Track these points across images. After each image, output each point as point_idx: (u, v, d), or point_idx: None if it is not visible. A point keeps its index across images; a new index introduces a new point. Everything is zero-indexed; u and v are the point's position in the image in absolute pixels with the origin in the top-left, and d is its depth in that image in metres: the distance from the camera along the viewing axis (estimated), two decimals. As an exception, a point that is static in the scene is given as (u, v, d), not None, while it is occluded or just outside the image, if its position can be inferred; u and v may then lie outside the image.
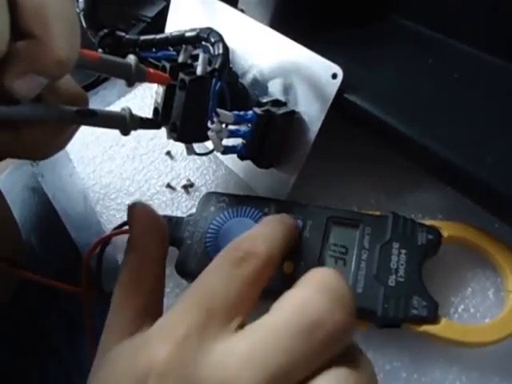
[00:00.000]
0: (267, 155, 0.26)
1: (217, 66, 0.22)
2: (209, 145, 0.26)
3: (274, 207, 0.26)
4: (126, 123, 0.24)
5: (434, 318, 0.20)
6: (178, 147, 0.34)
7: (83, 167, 0.36)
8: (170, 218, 0.28)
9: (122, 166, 0.34)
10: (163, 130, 0.27)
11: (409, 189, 0.26)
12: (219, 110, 0.23)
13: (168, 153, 0.34)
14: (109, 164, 0.35)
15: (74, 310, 0.40)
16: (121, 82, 0.24)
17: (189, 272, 0.25)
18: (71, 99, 0.22)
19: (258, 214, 0.25)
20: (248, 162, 0.27)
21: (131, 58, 0.23)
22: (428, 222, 0.23)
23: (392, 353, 0.22)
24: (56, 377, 0.38)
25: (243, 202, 0.26)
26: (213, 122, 0.23)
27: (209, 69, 0.23)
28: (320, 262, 0.23)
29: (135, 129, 0.24)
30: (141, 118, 0.25)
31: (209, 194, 0.28)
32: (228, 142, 0.25)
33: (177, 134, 0.25)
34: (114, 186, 0.33)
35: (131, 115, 0.24)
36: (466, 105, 0.21)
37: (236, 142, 0.25)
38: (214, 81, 0.22)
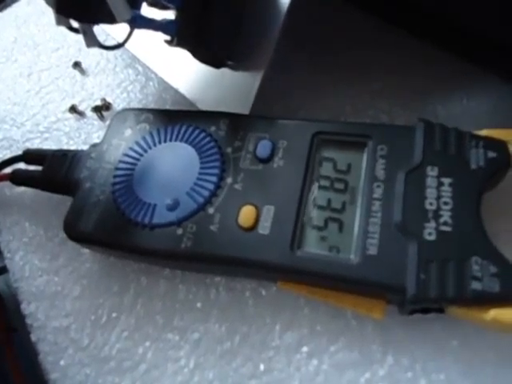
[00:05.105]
0: (214, 41, 0.16)
1: None
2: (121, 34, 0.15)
3: (227, 124, 0.16)
4: None
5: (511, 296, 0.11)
6: (92, 58, 0.23)
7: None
8: (64, 153, 0.17)
9: (11, 89, 0.23)
10: (72, 39, 0.16)
11: (437, 92, 0.17)
12: None
13: (76, 64, 0.23)
14: (-7, 86, 0.24)
15: None
16: None
17: (84, 232, 0.15)
18: None
19: (200, 136, 0.16)
20: (190, 70, 0.17)
21: None
22: (484, 133, 0.13)
23: (427, 353, 0.13)
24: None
25: (177, 119, 0.16)
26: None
27: None
28: (301, 208, 0.14)
29: None
30: None
31: (124, 112, 0.18)
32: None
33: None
34: (-2, 115, 0.23)
35: None
36: None
37: (161, 16, 0.15)
38: None
